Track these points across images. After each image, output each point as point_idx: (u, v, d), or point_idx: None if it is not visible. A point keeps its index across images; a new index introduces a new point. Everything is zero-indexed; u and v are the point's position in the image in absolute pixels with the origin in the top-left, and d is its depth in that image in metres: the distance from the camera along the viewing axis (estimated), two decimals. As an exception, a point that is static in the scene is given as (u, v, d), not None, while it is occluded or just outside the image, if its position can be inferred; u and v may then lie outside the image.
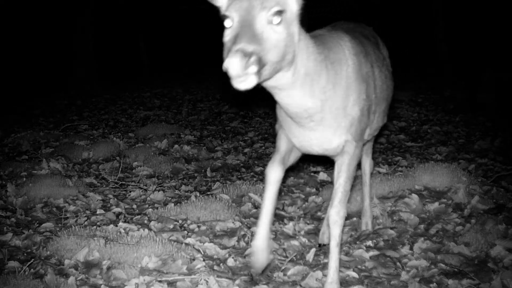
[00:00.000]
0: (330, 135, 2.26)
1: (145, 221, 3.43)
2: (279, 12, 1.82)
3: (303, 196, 3.88)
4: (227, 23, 1.85)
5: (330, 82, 2.15)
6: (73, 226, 3.22)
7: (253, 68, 1.66)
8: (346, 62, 2.25)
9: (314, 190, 4.00)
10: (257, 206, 3.69)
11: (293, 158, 2.53)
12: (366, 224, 3.22)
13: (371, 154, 3.26)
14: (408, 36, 10.98)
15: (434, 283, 2.60)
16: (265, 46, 1.75)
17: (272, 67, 1.81)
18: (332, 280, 2.40)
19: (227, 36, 1.83)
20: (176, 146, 5.24)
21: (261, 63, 1.70)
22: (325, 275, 2.59)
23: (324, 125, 2.21)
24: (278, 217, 3.54)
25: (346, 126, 2.27)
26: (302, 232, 3.30)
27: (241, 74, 1.65)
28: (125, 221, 3.41)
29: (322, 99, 2.13)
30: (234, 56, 1.64)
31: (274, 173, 2.40)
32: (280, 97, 2.09)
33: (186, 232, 3.26)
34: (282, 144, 2.46)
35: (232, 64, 1.63)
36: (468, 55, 9.48)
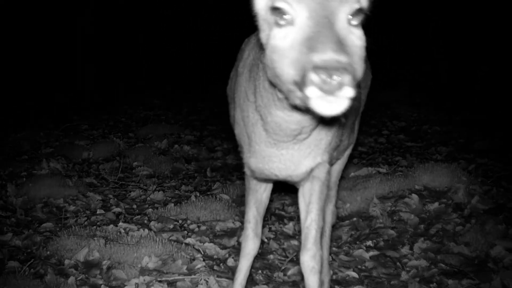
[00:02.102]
0: (303, 157, 1.80)
1: (145, 221, 3.43)
2: (360, 11, 1.34)
3: (303, 196, 3.87)
4: (280, 19, 1.30)
5: None
6: (73, 226, 3.23)
7: (349, 91, 1.15)
8: None
9: (314, 190, 3.99)
10: (257, 206, 3.70)
11: (266, 198, 2.21)
12: (321, 282, 2.47)
13: (335, 198, 2.68)
14: (402, 33, 10.92)
15: (434, 283, 2.61)
16: (353, 58, 1.24)
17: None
18: None
19: (285, 39, 1.29)
20: (176, 146, 5.24)
21: (354, 82, 1.17)
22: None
23: (304, 143, 1.77)
24: (278, 217, 3.54)
25: (325, 143, 1.83)
26: (302, 232, 3.29)
27: (332, 94, 1.16)
28: (125, 221, 3.41)
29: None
30: (328, 70, 1.13)
31: (249, 246, 2.18)
32: (294, 114, 1.60)
33: (186, 232, 3.27)
34: (251, 210, 2.17)
35: (324, 82, 1.13)
36: (463, 51, 9.45)
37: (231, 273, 2.73)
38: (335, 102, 1.17)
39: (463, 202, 3.47)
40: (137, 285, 2.59)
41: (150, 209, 3.63)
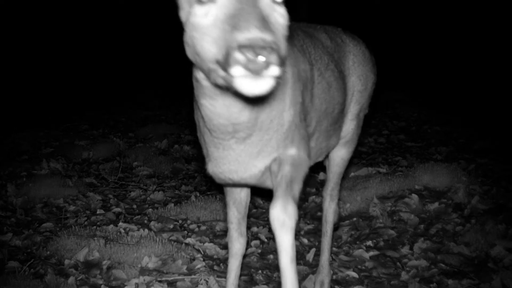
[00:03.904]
0: (251, 157, 1.70)
1: (145, 221, 3.43)
2: None
3: (303, 196, 3.88)
4: None
5: None
6: (73, 226, 3.23)
7: (276, 70, 1.13)
8: None
9: (314, 190, 4.00)
10: (257, 206, 3.70)
11: (245, 197, 2.11)
12: (322, 283, 2.54)
13: (337, 197, 2.58)
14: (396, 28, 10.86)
15: (434, 283, 2.61)
16: (277, 36, 1.22)
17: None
18: None
19: (206, 17, 1.25)
20: (176, 146, 5.24)
21: (280, 60, 1.14)
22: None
23: (247, 143, 1.66)
24: (278, 217, 3.54)
25: (277, 142, 1.70)
26: (302, 232, 3.30)
27: (259, 74, 1.12)
28: (125, 221, 3.41)
29: (258, 110, 1.59)
30: (254, 49, 1.09)
31: (235, 246, 2.15)
32: (216, 104, 1.54)
33: (186, 232, 3.27)
34: (231, 211, 2.10)
35: (248, 57, 1.09)
36: (455, 45, 9.43)
37: (231, 273, 2.74)
38: (261, 80, 1.13)
39: (463, 202, 3.48)
40: (137, 285, 2.59)
41: (150, 209, 3.63)
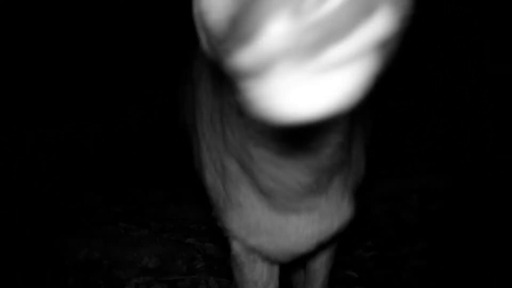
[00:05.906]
0: (338, 205, 1.19)
1: (145, 221, 3.43)
2: None
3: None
4: None
5: None
6: (73, 226, 3.23)
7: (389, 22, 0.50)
8: None
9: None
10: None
11: None
12: None
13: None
14: None
15: (434, 283, 2.61)
16: None
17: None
18: None
19: None
20: (176, 146, 5.25)
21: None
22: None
23: (333, 188, 1.15)
24: (278, 217, 3.55)
25: (352, 180, 1.27)
26: (302, 232, 3.30)
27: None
28: (125, 221, 3.41)
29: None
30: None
31: None
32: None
33: (186, 232, 3.27)
34: None
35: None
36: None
37: (231, 273, 2.74)
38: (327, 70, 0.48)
39: (462, 202, 3.48)
40: (137, 285, 2.59)
41: (150, 209, 3.64)
